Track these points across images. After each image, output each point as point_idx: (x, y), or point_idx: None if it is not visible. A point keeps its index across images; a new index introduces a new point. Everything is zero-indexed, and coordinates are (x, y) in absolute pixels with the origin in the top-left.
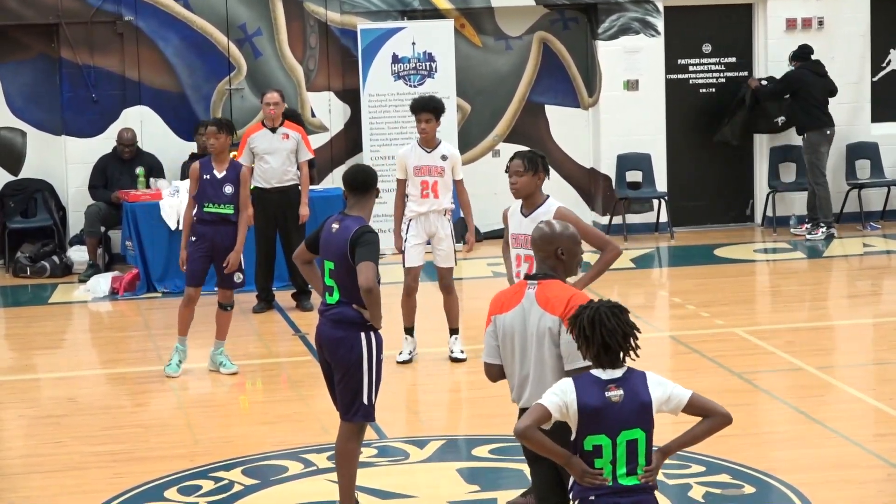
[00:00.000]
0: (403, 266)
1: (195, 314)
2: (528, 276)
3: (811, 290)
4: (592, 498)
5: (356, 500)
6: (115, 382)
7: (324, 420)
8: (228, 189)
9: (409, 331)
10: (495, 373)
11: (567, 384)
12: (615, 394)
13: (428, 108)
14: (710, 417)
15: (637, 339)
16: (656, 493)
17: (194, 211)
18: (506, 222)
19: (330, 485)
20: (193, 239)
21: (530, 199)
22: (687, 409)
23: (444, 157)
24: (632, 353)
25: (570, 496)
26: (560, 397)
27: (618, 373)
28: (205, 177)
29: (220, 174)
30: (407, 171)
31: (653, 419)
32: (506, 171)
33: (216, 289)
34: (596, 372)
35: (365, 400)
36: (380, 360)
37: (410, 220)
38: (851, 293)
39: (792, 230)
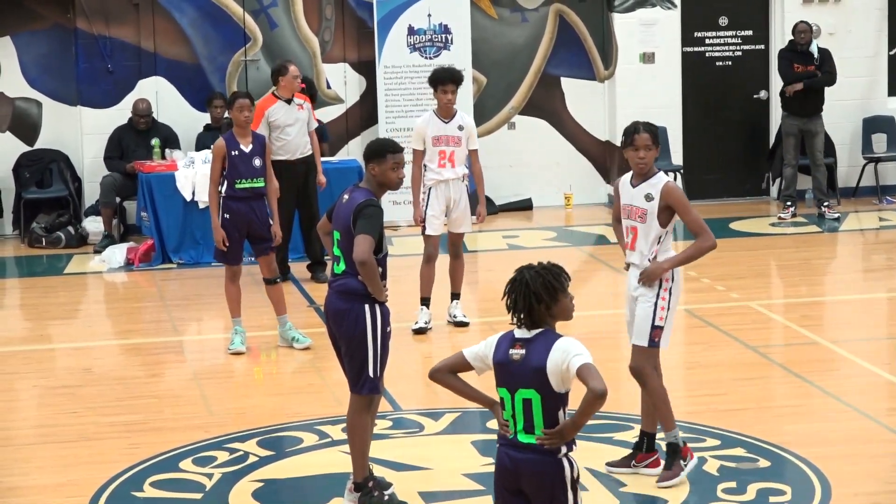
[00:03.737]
0: (423, 234)
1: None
2: None
3: (826, 265)
4: (498, 446)
5: (370, 471)
6: (129, 353)
7: (337, 392)
8: (257, 162)
9: (426, 301)
10: None
11: (493, 338)
12: (516, 352)
13: (454, 80)
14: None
15: (524, 310)
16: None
17: (223, 188)
18: (617, 193)
19: (344, 456)
20: (228, 216)
21: (645, 172)
22: (577, 377)
23: (460, 127)
24: (512, 317)
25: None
26: (482, 348)
27: (529, 333)
28: (233, 153)
29: (247, 148)
30: (425, 140)
31: (549, 384)
32: (624, 144)
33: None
34: (515, 330)
35: (371, 373)
36: (386, 333)
37: (430, 188)
38: (866, 267)
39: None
